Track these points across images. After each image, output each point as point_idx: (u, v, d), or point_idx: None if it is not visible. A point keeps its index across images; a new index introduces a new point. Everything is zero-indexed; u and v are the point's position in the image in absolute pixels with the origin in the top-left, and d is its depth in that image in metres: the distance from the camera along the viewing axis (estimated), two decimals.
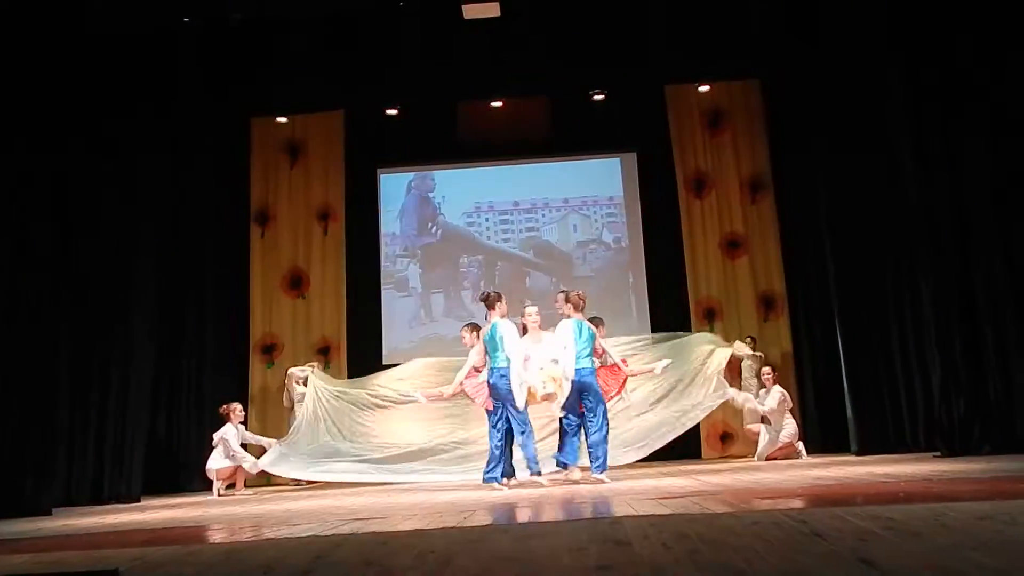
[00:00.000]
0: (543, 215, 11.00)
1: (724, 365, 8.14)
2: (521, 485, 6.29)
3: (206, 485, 8.47)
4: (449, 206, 11.11)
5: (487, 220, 11.02)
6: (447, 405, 7.86)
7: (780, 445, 8.36)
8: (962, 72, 6.85)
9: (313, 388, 8.48)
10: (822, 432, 9.31)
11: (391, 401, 8.20)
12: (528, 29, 9.18)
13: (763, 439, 8.48)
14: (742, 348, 8.97)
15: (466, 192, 11.14)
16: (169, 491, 8.85)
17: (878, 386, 8.00)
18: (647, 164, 10.82)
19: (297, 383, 8.86)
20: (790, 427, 8.43)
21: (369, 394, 8.37)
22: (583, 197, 11.00)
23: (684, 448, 9.05)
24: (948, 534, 2.34)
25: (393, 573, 2.38)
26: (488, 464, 6.31)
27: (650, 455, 8.21)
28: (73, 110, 7.60)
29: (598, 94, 10.52)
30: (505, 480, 6.30)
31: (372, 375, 8.75)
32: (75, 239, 7.66)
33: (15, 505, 6.39)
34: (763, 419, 8.59)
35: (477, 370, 6.65)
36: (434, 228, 11.07)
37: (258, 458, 8.23)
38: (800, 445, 8.42)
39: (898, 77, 7.21)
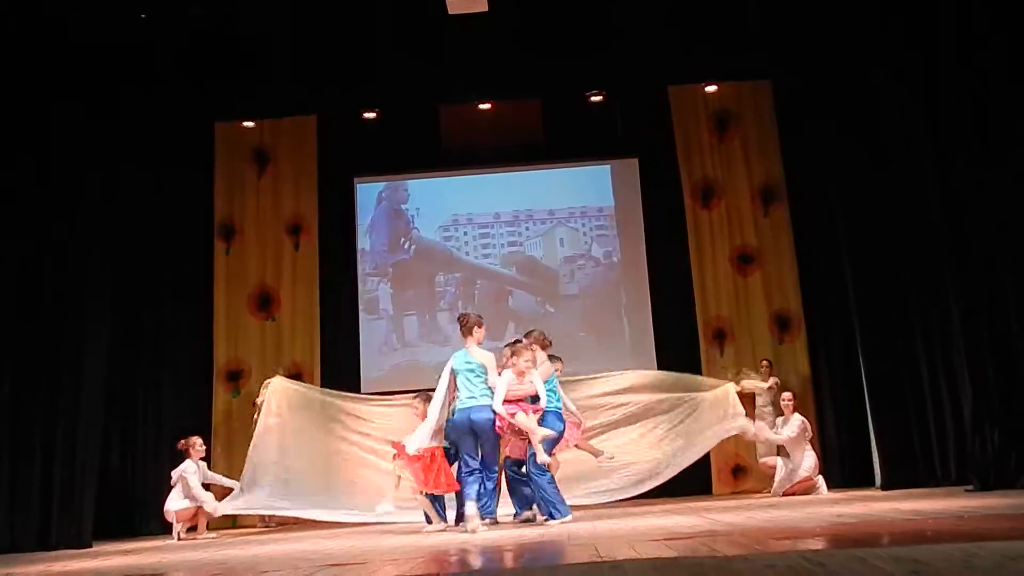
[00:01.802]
0: (527, 228, 11.03)
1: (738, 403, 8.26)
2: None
3: (165, 528, 8.42)
4: (424, 219, 11.12)
5: (465, 234, 11.04)
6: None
7: (798, 479, 8.37)
8: (987, 78, 6.94)
9: (274, 397, 8.32)
10: (844, 465, 9.33)
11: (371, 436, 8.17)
12: (519, 25, 9.23)
13: (780, 473, 8.50)
14: (752, 382, 9.02)
15: (443, 203, 11.16)
16: (124, 535, 8.79)
17: (904, 414, 8.02)
18: (649, 171, 10.88)
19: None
20: (809, 459, 8.44)
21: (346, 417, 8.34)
22: (570, 208, 11.03)
23: (693, 483, 9.06)
24: None
25: None
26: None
27: (655, 490, 8.29)
28: (18, 108, 7.64)
29: (596, 95, 10.59)
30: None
31: (355, 399, 8.61)
32: (16, 254, 7.68)
33: None
34: (779, 451, 8.61)
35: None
36: (407, 244, 11.08)
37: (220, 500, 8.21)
38: (820, 479, 8.44)
39: (918, 81, 7.31)
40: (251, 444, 8.19)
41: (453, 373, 6.52)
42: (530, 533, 5.61)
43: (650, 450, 8.27)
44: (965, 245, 6.96)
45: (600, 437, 8.25)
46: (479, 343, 6.58)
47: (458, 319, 6.72)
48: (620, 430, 8.41)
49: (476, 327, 6.55)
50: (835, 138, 8.78)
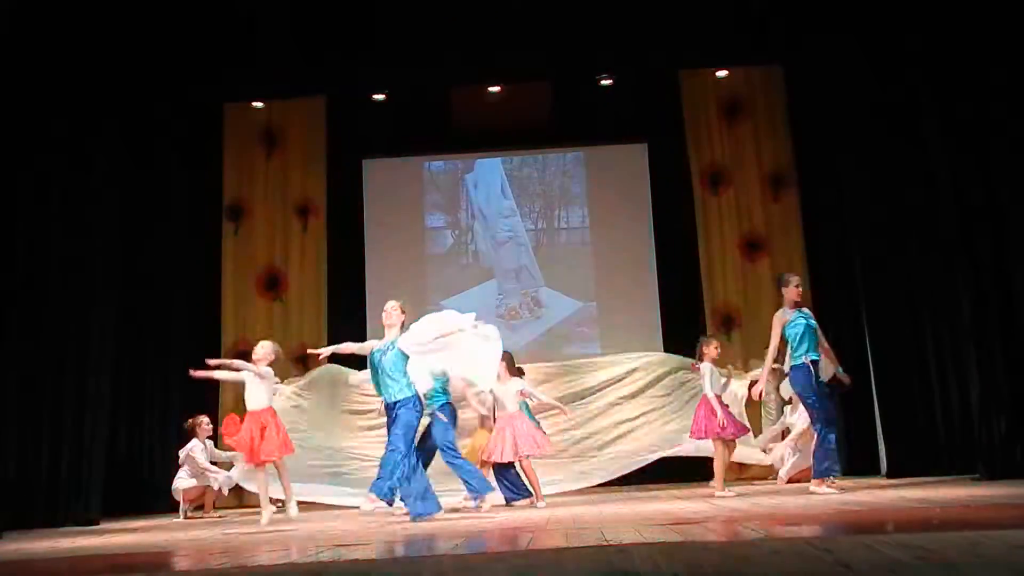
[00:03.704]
0: (532, 211, 10.99)
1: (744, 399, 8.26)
2: None
3: (172, 507, 8.46)
4: (421, 202, 11.09)
5: (471, 217, 11.00)
6: None
7: (804, 467, 8.35)
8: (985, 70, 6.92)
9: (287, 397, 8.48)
10: (849, 452, 9.30)
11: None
12: (528, 6, 9.18)
13: (786, 460, 8.48)
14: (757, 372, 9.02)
15: (448, 187, 11.13)
16: (131, 513, 8.84)
17: (911, 402, 8.00)
18: (657, 156, 10.84)
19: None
20: None
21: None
22: (578, 192, 11.00)
23: (698, 469, 9.05)
24: (985, 565, 2.35)
25: None
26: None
27: (661, 476, 8.34)
28: (23, 91, 7.63)
29: (605, 79, 10.53)
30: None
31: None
32: (24, 234, 7.68)
33: None
34: (784, 437, 8.60)
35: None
36: (411, 226, 11.04)
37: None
38: None
39: (925, 72, 7.28)
40: None
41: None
42: (535, 517, 5.62)
43: (645, 434, 8.39)
44: (975, 232, 6.92)
45: (596, 419, 8.43)
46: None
47: (778, 279, 6.78)
48: (616, 411, 8.54)
49: (796, 286, 6.60)
50: (845, 124, 8.72)
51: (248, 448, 6.19)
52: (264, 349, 6.52)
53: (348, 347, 6.46)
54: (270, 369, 6.47)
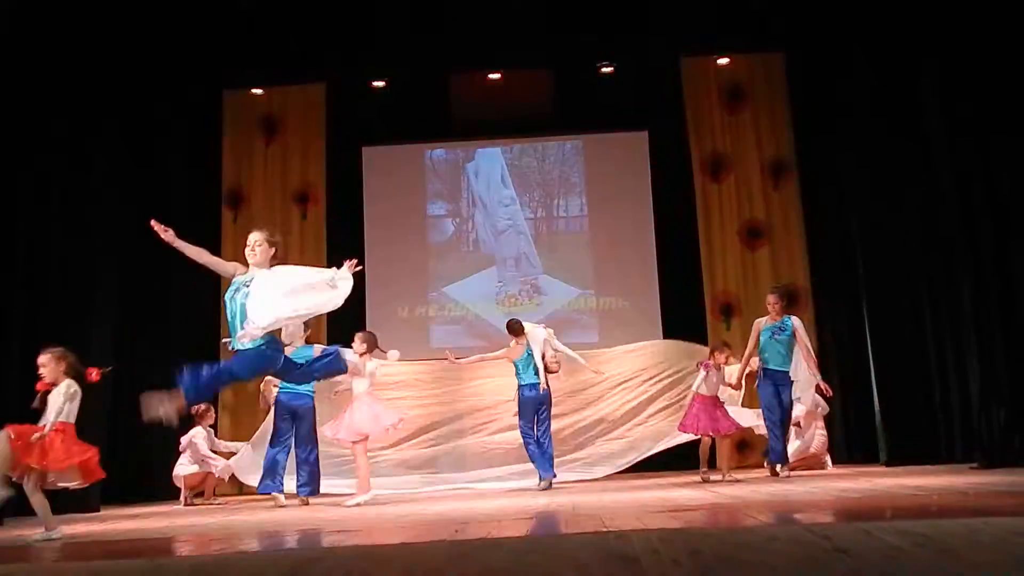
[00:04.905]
0: (533, 199, 10.97)
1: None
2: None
3: (172, 493, 8.48)
4: (421, 190, 11.07)
5: (471, 205, 10.98)
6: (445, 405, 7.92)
7: (805, 455, 8.36)
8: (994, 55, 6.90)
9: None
10: (849, 440, 9.33)
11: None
12: None
13: (789, 447, 8.49)
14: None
15: (448, 174, 11.11)
16: (131, 500, 8.86)
17: (911, 391, 8.01)
18: (658, 144, 10.82)
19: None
20: (820, 437, 8.41)
21: None
22: (578, 180, 10.97)
23: (697, 456, 9.08)
24: (984, 551, 2.36)
25: None
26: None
27: (661, 464, 8.36)
28: (23, 91, 7.61)
29: (606, 67, 10.50)
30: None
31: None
32: (24, 234, 7.68)
33: None
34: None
35: None
36: (410, 215, 11.01)
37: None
38: (826, 455, 8.43)
39: (933, 64, 7.26)
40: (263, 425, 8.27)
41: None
42: (536, 503, 5.63)
43: (638, 426, 8.41)
44: (977, 221, 6.93)
45: (591, 408, 8.44)
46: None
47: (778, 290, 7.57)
48: (611, 401, 8.54)
49: (770, 303, 7.40)
50: (847, 110, 8.72)
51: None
52: (45, 367, 5.61)
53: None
54: (70, 382, 5.73)
